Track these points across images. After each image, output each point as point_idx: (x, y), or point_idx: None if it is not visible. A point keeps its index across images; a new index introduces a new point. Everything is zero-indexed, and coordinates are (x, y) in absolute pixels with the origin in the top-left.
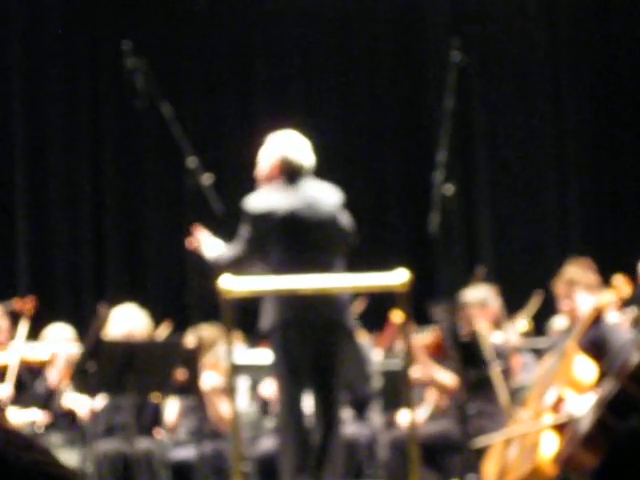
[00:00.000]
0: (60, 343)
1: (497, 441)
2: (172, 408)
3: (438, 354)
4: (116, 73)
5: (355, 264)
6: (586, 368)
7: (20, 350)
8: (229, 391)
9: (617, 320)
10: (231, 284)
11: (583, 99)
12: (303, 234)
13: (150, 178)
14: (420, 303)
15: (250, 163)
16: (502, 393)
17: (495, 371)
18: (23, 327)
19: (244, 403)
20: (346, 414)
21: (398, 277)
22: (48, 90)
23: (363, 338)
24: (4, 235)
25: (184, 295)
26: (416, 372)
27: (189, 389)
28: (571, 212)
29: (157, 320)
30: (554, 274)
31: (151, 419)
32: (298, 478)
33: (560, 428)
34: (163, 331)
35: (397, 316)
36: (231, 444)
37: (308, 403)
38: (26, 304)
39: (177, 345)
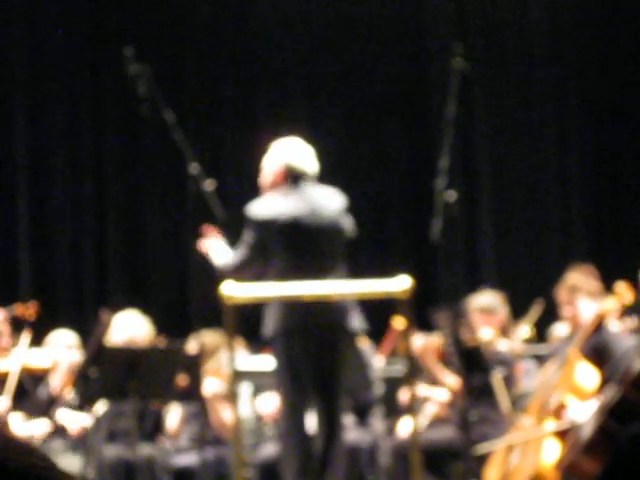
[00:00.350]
0: (62, 350)
1: (499, 448)
2: (174, 414)
3: (440, 360)
4: (119, 79)
5: (357, 270)
6: (588, 375)
7: (22, 358)
8: (231, 397)
9: (617, 329)
10: (233, 290)
11: (586, 105)
12: (306, 240)
13: (152, 184)
14: (422, 309)
15: (252, 169)
16: (504, 400)
17: (497, 378)
18: (25, 336)
19: (246, 409)
20: (348, 420)
21: (400, 283)
22: (50, 96)
23: (365, 344)
24: (7, 241)
25: (186, 301)
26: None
27: (191, 395)
28: (573, 219)
29: (159, 326)
30: (556, 281)
31: (153, 425)
32: None
33: (562, 435)
34: (160, 343)
35: (399, 322)
36: (233, 450)
37: (311, 412)
38: (28, 310)
39: (179, 351)
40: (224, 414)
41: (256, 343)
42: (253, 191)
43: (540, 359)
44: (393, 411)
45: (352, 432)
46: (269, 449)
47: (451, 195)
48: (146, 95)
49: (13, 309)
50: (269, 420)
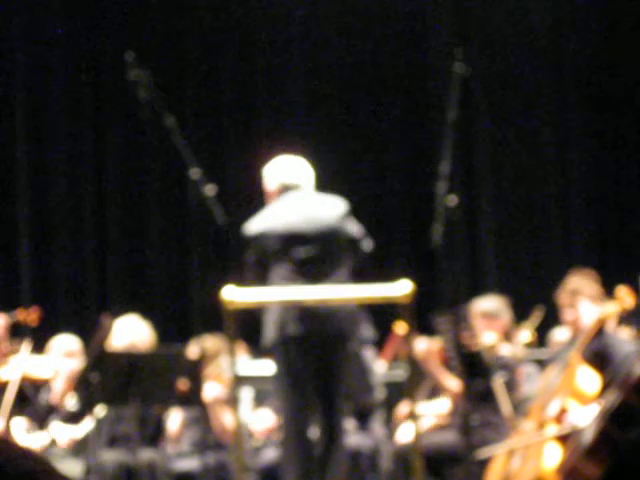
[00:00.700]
0: (63, 358)
1: (500, 452)
2: (175, 419)
3: (442, 364)
4: (119, 84)
5: (358, 275)
6: (589, 379)
7: (22, 367)
8: (232, 402)
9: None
10: (234, 295)
11: (587, 109)
12: (300, 247)
13: (153, 189)
14: (423, 314)
15: (253, 174)
16: (505, 404)
17: (498, 382)
18: (26, 344)
19: (247, 414)
20: (349, 424)
21: (401, 288)
22: (51, 100)
23: (366, 349)
24: (8, 246)
25: (187, 306)
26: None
27: (192, 400)
28: (574, 223)
29: (160, 331)
30: (557, 285)
31: (154, 430)
32: None
33: (563, 439)
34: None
35: (400, 327)
36: (234, 455)
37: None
38: (30, 315)
39: (180, 356)
40: (225, 419)
41: (257, 348)
42: (254, 196)
43: (541, 363)
44: (394, 416)
45: (353, 436)
46: (270, 454)
47: (452, 200)
48: (147, 100)
49: (15, 314)
50: (261, 436)
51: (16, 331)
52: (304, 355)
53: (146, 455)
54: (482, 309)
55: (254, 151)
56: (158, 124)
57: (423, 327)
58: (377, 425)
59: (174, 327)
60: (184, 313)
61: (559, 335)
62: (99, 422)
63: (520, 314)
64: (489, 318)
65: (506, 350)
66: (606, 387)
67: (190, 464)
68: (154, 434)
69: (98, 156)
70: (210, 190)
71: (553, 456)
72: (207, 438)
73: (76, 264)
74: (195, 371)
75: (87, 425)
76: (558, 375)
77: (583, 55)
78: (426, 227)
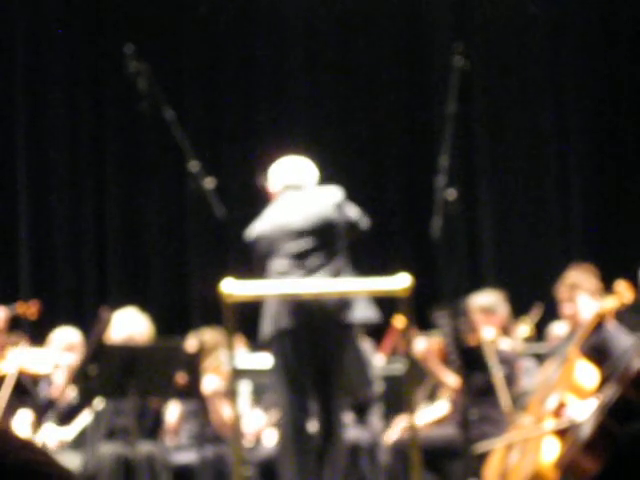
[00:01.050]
0: (63, 352)
1: (498, 446)
2: (173, 412)
3: (440, 359)
4: (119, 77)
5: (357, 268)
6: (588, 373)
7: (19, 361)
8: (230, 395)
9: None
10: (232, 288)
11: (586, 104)
12: (295, 242)
13: (152, 182)
14: (422, 308)
15: (253, 167)
16: (504, 399)
17: (497, 377)
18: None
19: (245, 407)
20: (347, 418)
21: (400, 282)
22: (50, 94)
23: (365, 342)
24: (7, 239)
25: (186, 299)
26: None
27: (190, 393)
28: (573, 217)
29: (159, 324)
30: (556, 279)
31: (153, 423)
32: None
33: (561, 433)
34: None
35: (399, 321)
36: (232, 448)
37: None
38: (30, 308)
39: (178, 349)
40: (223, 412)
41: (256, 341)
42: (253, 190)
43: (540, 358)
44: (393, 409)
45: (352, 430)
46: (268, 447)
47: (451, 193)
48: (146, 93)
49: (14, 308)
50: (252, 438)
51: (16, 324)
52: (299, 348)
53: (145, 448)
54: (479, 304)
55: (253, 144)
56: (157, 117)
57: (422, 321)
58: (375, 419)
59: (173, 320)
60: (183, 306)
61: (558, 329)
62: (97, 415)
63: (519, 308)
64: (486, 313)
65: (505, 344)
66: (605, 381)
67: (188, 457)
68: (152, 427)
69: (97, 148)
70: (209, 183)
71: (551, 450)
72: (205, 431)
73: (75, 257)
74: (193, 364)
75: (83, 420)
76: (557, 369)
77: (584, 49)
78: (425, 221)
